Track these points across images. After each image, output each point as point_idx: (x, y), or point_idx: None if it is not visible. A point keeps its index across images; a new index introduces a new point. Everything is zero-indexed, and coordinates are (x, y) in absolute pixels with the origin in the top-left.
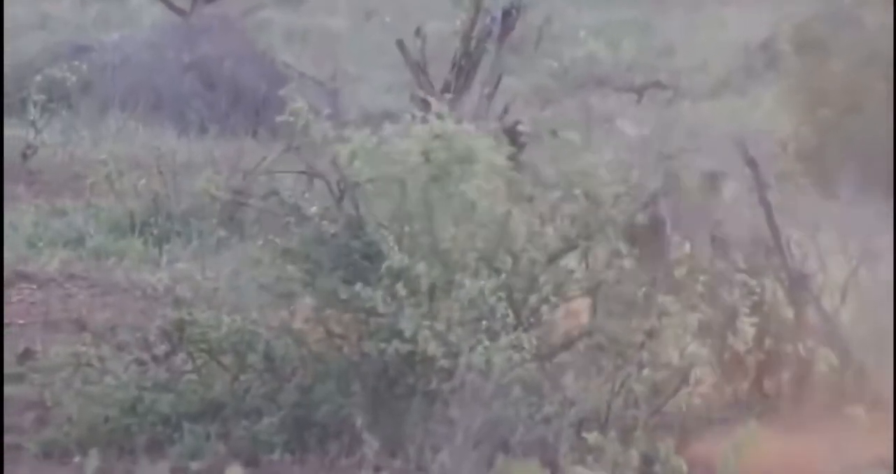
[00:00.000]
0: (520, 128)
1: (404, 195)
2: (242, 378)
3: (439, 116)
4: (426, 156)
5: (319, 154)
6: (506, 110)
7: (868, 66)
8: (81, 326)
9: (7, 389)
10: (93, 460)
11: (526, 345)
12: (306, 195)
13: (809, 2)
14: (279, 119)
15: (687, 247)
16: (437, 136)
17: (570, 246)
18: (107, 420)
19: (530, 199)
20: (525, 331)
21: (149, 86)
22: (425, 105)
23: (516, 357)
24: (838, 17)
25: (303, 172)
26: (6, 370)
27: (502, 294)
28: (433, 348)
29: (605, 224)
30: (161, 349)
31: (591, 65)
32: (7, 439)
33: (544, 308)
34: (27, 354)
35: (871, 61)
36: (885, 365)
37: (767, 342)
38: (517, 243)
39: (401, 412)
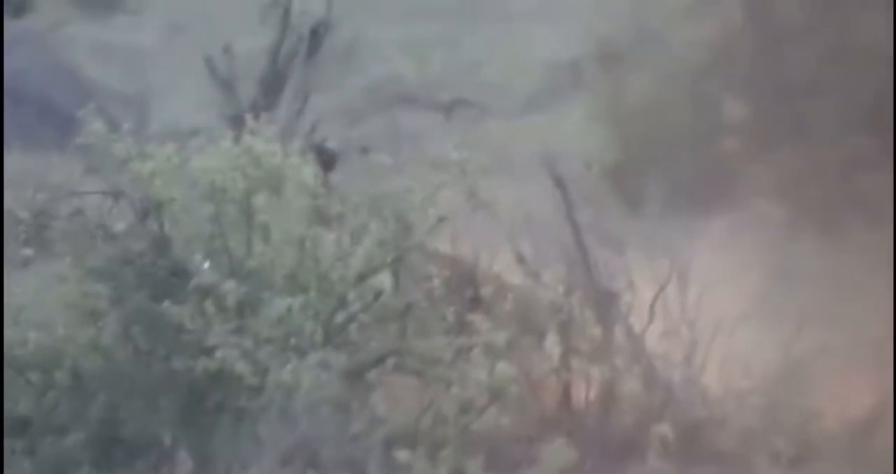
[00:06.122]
0: (327, 144)
1: (210, 214)
2: (49, 394)
3: (250, 133)
4: (234, 174)
5: (123, 172)
6: (314, 128)
7: (671, 83)
8: None
9: None
10: None
11: (334, 363)
12: (113, 212)
13: (617, 20)
14: (78, 142)
15: (495, 266)
16: (244, 155)
17: (378, 266)
18: None
19: (339, 218)
20: (334, 349)
21: None
22: (235, 122)
23: (324, 375)
24: (643, 35)
25: (105, 193)
26: None
27: (310, 312)
28: (241, 366)
29: (414, 247)
30: None
31: (398, 82)
32: None
33: (352, 326)
34: None
35: (675, 78)
36: (690, 383)
37: (574, 360)
38: (324, 262)
39: (209, 429)
